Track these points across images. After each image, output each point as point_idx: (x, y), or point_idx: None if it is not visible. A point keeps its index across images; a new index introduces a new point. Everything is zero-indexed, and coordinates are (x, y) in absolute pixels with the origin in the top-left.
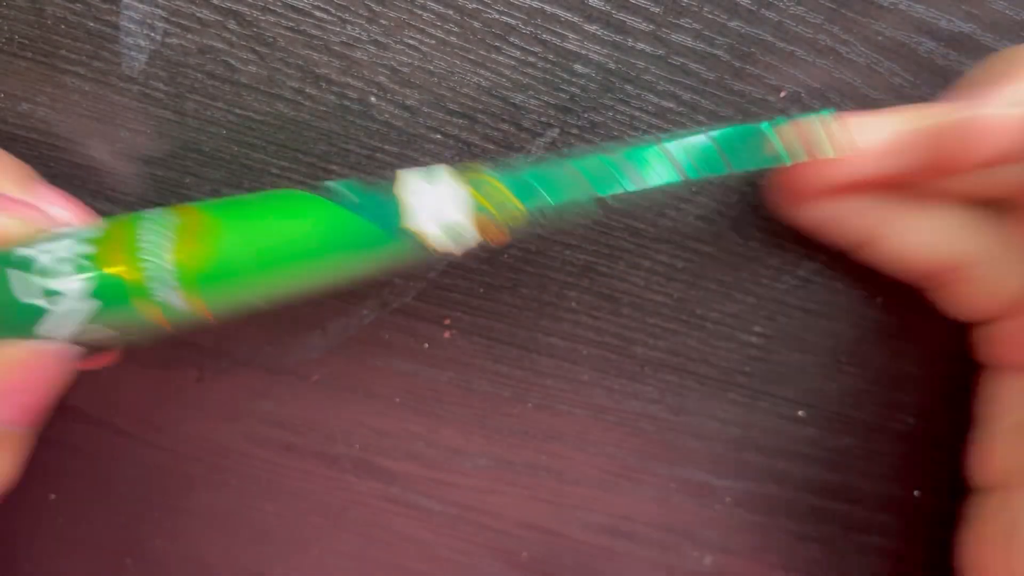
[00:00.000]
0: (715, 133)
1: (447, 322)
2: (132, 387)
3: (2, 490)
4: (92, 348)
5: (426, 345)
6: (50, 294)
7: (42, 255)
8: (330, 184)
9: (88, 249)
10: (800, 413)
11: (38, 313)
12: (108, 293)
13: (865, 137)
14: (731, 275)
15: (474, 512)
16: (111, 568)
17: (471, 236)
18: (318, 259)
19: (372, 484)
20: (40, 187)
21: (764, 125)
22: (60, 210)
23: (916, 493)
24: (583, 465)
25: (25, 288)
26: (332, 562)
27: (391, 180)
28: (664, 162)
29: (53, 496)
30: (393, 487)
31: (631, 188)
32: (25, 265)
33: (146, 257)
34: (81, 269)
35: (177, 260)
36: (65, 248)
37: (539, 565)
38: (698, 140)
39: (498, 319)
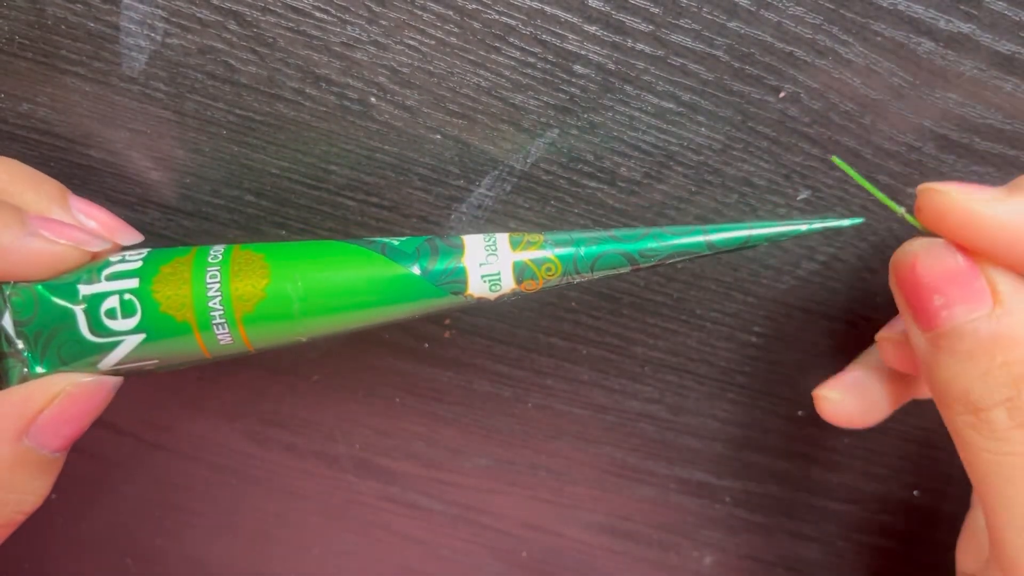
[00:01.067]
0: (756, 232)
1: (447, 322)
2: (133, 387)
3: (34, 508)
4: (133, 375)
5: (426, 345)
6: (112, 332)
7: (108, 296)
8: (389, 241)
9: (144, 285)
10: (800, 413)
11: (100, 348)
12: (159, 327)
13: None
14: (731, 275)
15: (474, 512)
16: (111, 568)
17: (511, 290)
18: (367, 310)
19: (372, 484)
20: (76, 201)
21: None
22: (97, 224)
23: (916, 493)
24: (583, 465)
25: (91, 326)
26: (332, 562)
27: (452, 243)
28: (701, 246)
29: (54, 496)
30: (393, 487)
31: (669, 262)
32: (93, 304)
33: (200, 295)
34: (136, 307)
35: (228, 300)
36: (123, 285)
37: (539, 565)
38: (739, 234)
39: (498, 319)
